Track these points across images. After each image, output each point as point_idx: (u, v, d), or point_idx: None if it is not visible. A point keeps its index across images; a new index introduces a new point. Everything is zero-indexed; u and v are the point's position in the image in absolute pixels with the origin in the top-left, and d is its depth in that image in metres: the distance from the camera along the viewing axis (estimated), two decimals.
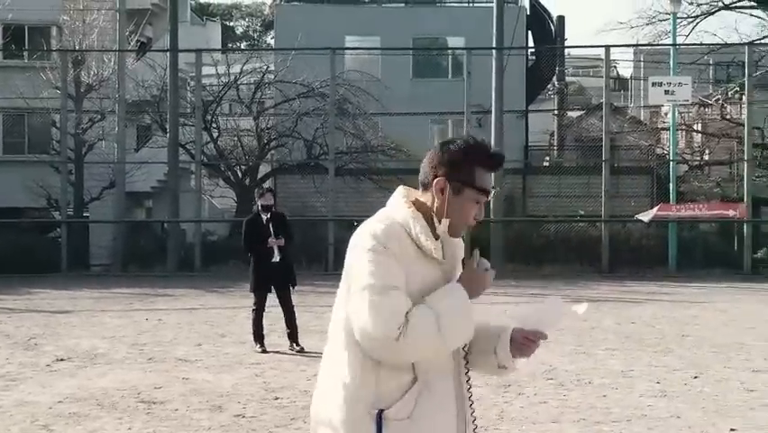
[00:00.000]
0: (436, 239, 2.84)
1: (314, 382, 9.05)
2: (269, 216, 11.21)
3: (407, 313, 2.68)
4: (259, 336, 11.08)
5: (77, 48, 25.69)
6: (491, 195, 2.93)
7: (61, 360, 10.33)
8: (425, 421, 2.77)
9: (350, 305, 2.76)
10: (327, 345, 2.94)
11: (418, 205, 2.88)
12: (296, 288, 11.41)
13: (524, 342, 2.95)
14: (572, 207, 27.43)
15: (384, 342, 2.65)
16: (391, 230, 2.78)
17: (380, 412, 2.73)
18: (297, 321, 11.23)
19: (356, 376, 2.76)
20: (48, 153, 26.15)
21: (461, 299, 2.75)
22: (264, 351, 10.84)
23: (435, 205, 2.86)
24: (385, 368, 2.74)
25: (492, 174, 2.93)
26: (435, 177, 2.86)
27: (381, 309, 2.65)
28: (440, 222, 2.84)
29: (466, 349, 2.94)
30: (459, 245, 2.96)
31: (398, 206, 2.88)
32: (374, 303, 2.66)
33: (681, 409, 7.81)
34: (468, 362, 2.93)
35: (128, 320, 14.01)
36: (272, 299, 11.25)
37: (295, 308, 11.24)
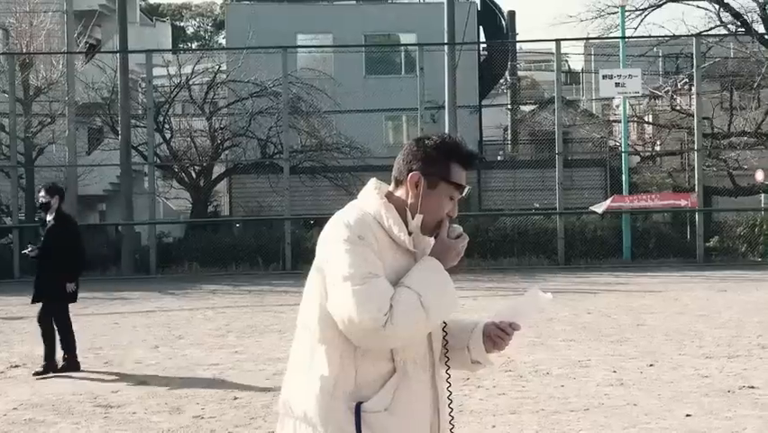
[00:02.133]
0: (410, 234, 2.83)
1: (273, 381, 9.02)
2: (50, 218, 9.90)
3: (391, 298, 2.67)
4: (47, 353, 9.72)
5: (24, 51, 25.33)
6: (465, 192, 2.92)
7: (16, 366, 10.18)
8: (403, 413, 2.77)
9: (331, 299, 2.72)
10: (296, 341, 2.91)
11: (391, 198, 2.86)
12: (71, 302, 10.04)
13: (497, 334, 2.95)
14: (527, 201, 27.67)
15: (372, 329, 2.63)
16: (364, 221, 2.77)
17: (359, 405, 2.72)
18: (255, 320, 11.16)
19: (334, 369, 2.75)
20: None
21: (436, 271, 2.75)
22: (39, 373, 9.53)
23: (410, 200, 2.84)
24: (364, 360, 2.74)
25: (466, 172, 2.93)
26: (410, 171, 2.85)
27: (365, 298, 2.63)
28: (413, 217, 2.82)
29: (447, 346, 2.93)
30: (430, 244, 2.91)
31: (370, 197, 2.87)
32: (357, 292, 2.64)
33: (637, 396, 7.90)
34: (448, 357, 2.93)
35: (83, 325, 13.84)
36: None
37: (70, 326, 9.90)
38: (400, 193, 2.87)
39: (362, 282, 2.65)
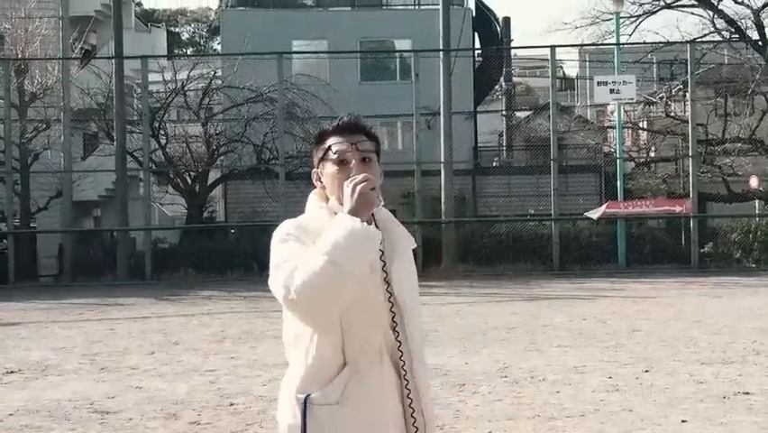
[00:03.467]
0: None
1: (269, 387, 9.03)
2: None
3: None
4: None
5: (19, 56, 25.31)
6: (358, 145, 2.87)
7: (12, 372, 10.17)
8: (355, 405, 2.78)
9: None
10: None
11: (325, 201, 2.96)
12: None
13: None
14: (522, 207, 27.69)
15: (287, 300, 2.70)
16: (294, 223, 2.90)
17: (306, 397, 2.78)
18: (250, 325, 11.16)
19: (290, 367, 2.89)
20: None
21: (338, 221, 2.71)
22: None
23: (324, 192, 2.96)
24: (315, 355, 2.80)
25: (352, 136, 2.89)
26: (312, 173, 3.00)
27: (276, 277, 2.75)
28: (328, 202, 2.92)
29: (409, 342, 2.89)
30: (390, 221, 2.94)
31: (310, 203, 2.99)
32: (274, 275, 2.77)
33: (633, 402, 7.92)
34: (401, 348, 2.88)
35: (79, 330, 13.85)
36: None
37: None
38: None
39: (279, 266, 2.77)
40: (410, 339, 2.89)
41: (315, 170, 2.97)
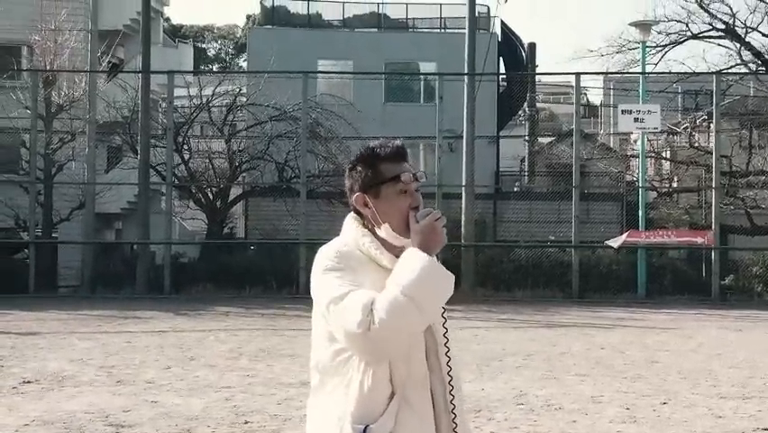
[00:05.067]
0: (392, 252, 2.84)
1: (284, 406, 9.02)
2: None
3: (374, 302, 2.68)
4: None
5: (48, 68, 25.55)
6: (418, 176, 2.90)
7: (28, 382, 10.20)
8: None
9: (330, 325, 2.77)
10: (312, 381, 2.96)
11: (365, 226, 2.92)
12: None
13: None
14: (543, 233, 27.60)
15: (361, 336, 2.64)
16: (341, 249, 2.84)
17: (366, 428, 2.75)
18: (267, 343, 11.14)
19: (343, 396, 2.80)
20: (17, 173, 25.92)
21: (413, 258, 2.70)
22: None
23: (368, 218, 2.89)
24: (367, 386, 2.76)
25: (405, 163, 2.91)
26: (354, 197, 2.92)
27: (349, 309, 2.67)
28: (379, 228, 2.86)
29: (449, 364, 2.92)
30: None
31: (349, 228, 2.94)
32: (342, 307, 2.69)
33: None
34: (450, 371, 2.92)
35: (96, 342, 13.89)
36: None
37: None
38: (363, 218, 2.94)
39: (344, 297, 2.70)
40: (445, 368, 2.91)
41: (358, 193, 2.91)
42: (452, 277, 2.75)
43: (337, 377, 2.83)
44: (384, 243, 2.86)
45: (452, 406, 2.92)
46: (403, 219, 2.84)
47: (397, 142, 2.95)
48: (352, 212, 2.99)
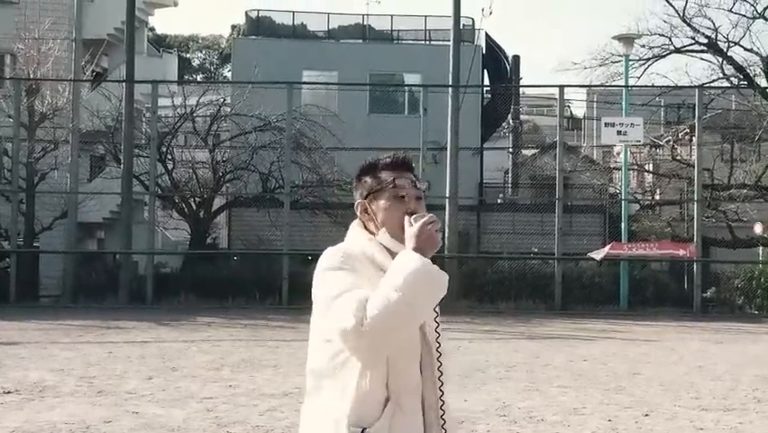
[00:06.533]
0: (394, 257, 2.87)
1: (266, 417, 8.99)
2: None
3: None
4: None
5: (31, 77, 25.45)
6: (416, 184, 2.97)
7: (8, 393, 10.13)
8: None
9: (327, 322, 2.80)
10: (307, 384, 2.98)
11: (370, 233, 2.99)
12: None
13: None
14: (526, 245, 27.68)
15: (354, 332, 2.67)
16: (345, 252, 2.89)
17: (363, 431, 2.79)
18: (250, 354, 11.11)
19: (339, 399, 2.82)
20: None
21: (408, 257, 2.74)
22: None
23: (370, 225, 2.97)
24: (364, 389, 2.79)
25: (406, 172, 2.98)
26: (356, 204, 3.01)
27: (344, 307, 2.71)
28: (378, 233, 2.93)
29: (441, 370, 2.94)
30: None
31: (354, 234, 3.00)
32: (338, 304, 2.73)
33: None
34: (442, 382, 2.95)
35: (77, 353, 13.81)
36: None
37: None
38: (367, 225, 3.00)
39: (339, 296, 2.74)
40: (437, 373, 2.94)
41: (360, 200, 3.00)
42: (446, 276, 2.78)
43: (334, 380, 2.86)
44: (387, 248, 2.91)
45: (442, 412, 2.96)
46: (400, 224, 2.88)
47: (402, 153, 3.04)
48: (356, 221, 3.06)
